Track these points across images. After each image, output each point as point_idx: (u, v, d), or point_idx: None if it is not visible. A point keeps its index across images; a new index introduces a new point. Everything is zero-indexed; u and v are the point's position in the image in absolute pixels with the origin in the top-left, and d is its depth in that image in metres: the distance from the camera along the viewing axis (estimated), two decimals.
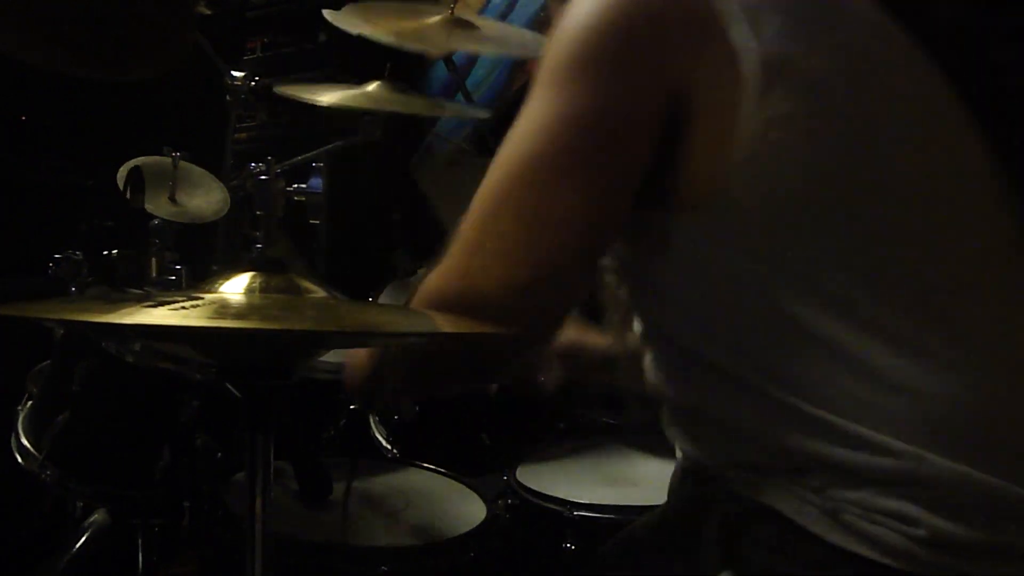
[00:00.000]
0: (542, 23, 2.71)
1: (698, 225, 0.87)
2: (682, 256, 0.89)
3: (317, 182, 1.23)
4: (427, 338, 0.95)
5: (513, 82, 2.85)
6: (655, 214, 0.88)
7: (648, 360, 1.00)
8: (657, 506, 1.09)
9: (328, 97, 1.78)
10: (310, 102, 1.75)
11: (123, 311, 0.78)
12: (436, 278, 0.93)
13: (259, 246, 0.98)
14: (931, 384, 0.82)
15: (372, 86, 1.91)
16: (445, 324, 0.86)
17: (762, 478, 0.86)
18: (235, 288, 0.88)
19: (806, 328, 0.83)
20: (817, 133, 0.84)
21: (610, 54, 0.86)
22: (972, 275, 0.86)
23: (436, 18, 1.91)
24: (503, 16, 2.81)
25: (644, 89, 0.86)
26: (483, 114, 2.07)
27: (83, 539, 1.53)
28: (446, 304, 0.90)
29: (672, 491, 1.03)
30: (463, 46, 1.89)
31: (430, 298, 0.92)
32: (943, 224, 0.87)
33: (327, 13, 1.83)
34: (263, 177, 1.05)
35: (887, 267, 0.84)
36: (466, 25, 1.89)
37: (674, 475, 1.03)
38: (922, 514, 0.80)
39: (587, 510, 1.42)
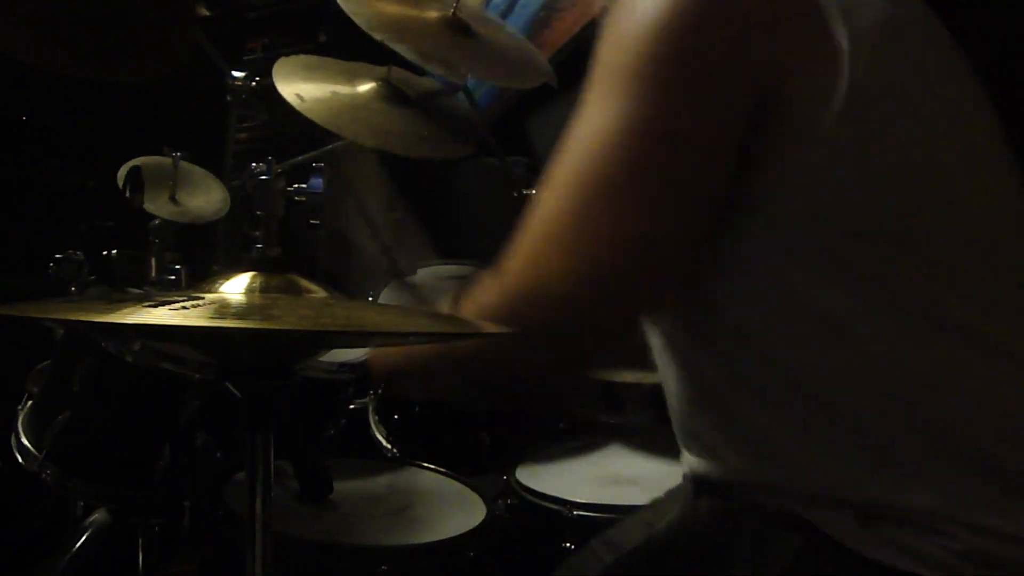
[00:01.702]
0: (542, 23, 2.71)
1: (750, 231, 0.83)
2: (732, 262, 0.85)
3: (318, 182, 1.23)
4: (426, 338, 0.95)
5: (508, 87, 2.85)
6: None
7: (669, 371, 0.97)
8: None
9: (317, 102, 1.78)
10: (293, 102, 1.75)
11: (123, 311, 0.78)
12: (497, 292, 0.90)
13: (259, 246, 0.98)
14: (1000, 380, 0.82)
15: (366, 87, 1.91)
16: (450, 326, 0.86)
17: (793, 495, 0.85)
18: (235, 288, 0.88)
19: (852, 331, 0.82)
20: (889, 134, 0.81)
21: (684, 51, 0.78)
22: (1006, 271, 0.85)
23: (436, 15, 1.90)
24: (503, 16, 2.81)
25: (725, 88, 0.79)
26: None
27: (83, 539, 1.53)
28: (509, 318, 0.84)
29: (684, 507, 1.01)
30: (452, 57, 1.87)
31: (494, 311, 0.89)
32: (998, 222, 0.86)
33: None
34: (263, 177, 1.05)
35: (942, 268, 0.82)
36: (464, 29, 1.88)
37: (682, 492, 1.01)
38: (960, 528, 0.78)
39: (587, 510, 1.42)
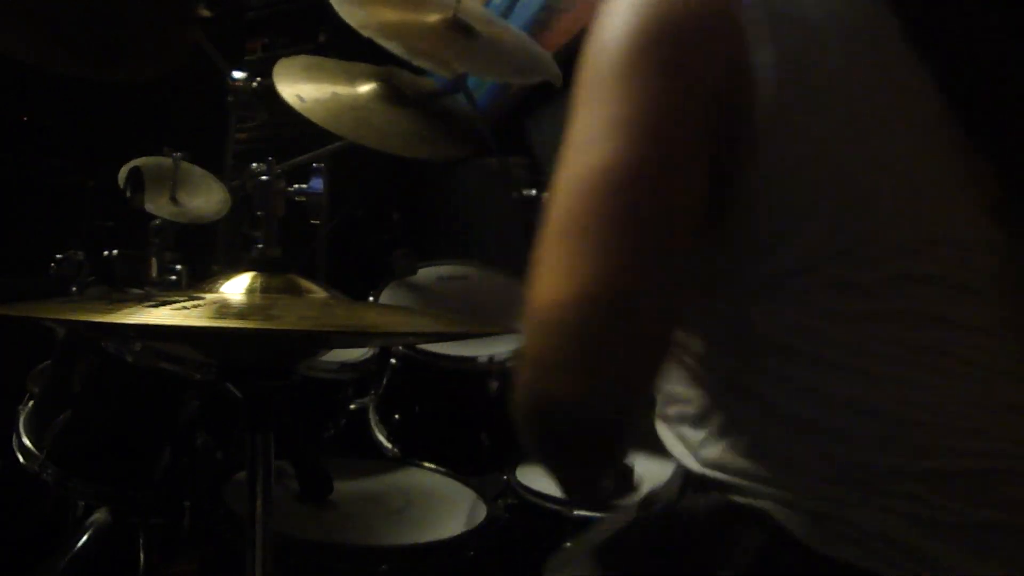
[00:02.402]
0: (542, 24, 2.71)
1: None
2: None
3: (318, 182, 1.23)
4: (427, 338, 0.95)
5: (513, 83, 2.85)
6: None
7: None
8: None
9: (317, 102, 1.78)
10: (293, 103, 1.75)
11: (124, 311, 0.78)
12: (531, 301, 0.83)
13: (259, 246, 0.98)
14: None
15: (366, 87, 1.91)
16: (439, 325, 0.87)
17: (755, 483, 0.86)
18: (236, 288, 0.88)
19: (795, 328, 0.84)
20: (819, 150, 0.84)
21: (664, 55, 0.82)
22: (959, 276, 0.86)
23: (437, 16, 1.90)
24: (503, 16, 2.81)
25: (698, 88, 0.82)
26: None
27: (84, 539, 1.53)
28: (547, 327, 0.79)
29: (668, 500, 1.02)
30: (456, 61, 1.88)
31: (536, 324, 0.80)
32: (932, 231, 0.86)
33: None
34: (263, 177, 1.05)
35: (878, 267, 0.84)
36: (466, 30, 1.88)
37: (670, 484, 1.03)
38: (899, 518, 0.80)
39: (587, 510, 1.42)
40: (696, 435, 0.94)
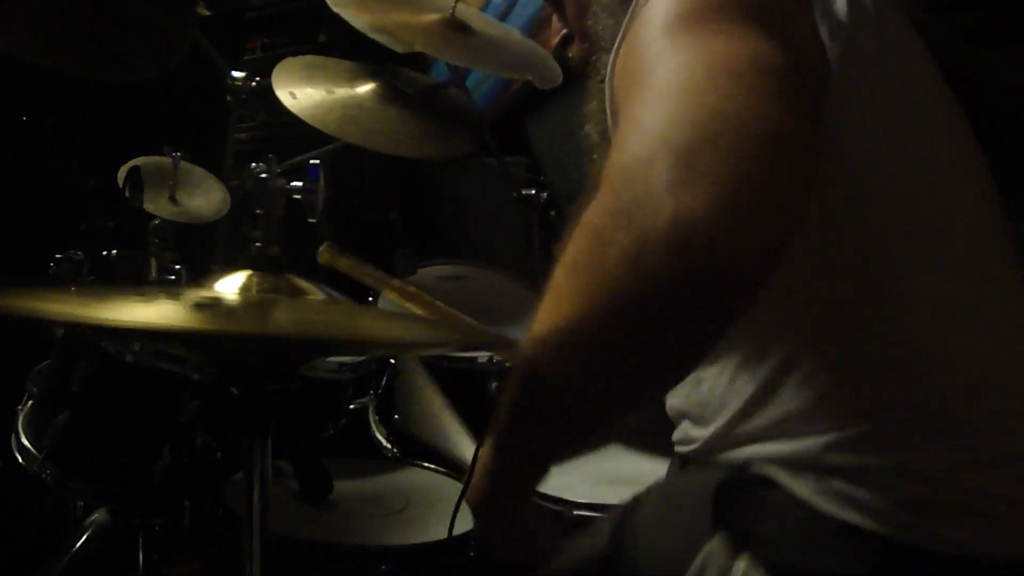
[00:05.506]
0: (542, 23, 2.71)
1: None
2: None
3: (315, 179, 1.24)
4: (429, 346, 0.94)
5: (513, 82, 2.85)
6: None
7: None
8: None
9: (309, 99, 1.78)
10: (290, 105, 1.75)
11: (114, 304, 0.78)
12: (585, 240, 0.75)
13: (258, 245, 0.98)
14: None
15: (366, 88, 1.91)
16: (451, 333, 0.86)
17: (759, 446, 0.87)
18: (232, 287, 0.88)
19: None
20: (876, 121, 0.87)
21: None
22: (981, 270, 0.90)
23: (435, 16, 1.90)
24: (503, 16, 2.81)
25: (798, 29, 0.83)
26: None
27: (83, 539, 1.53)
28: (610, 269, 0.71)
29: (671, 476, 1.03)
30: (452, 57, 1.88)
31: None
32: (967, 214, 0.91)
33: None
34: (263, 176, 1.05)
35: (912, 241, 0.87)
36: (464, 29, 1.88)
37: (671, 465, 1.03)
38: (898, 478, 0.82)
39: (587, 510, 1.42)
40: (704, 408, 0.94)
